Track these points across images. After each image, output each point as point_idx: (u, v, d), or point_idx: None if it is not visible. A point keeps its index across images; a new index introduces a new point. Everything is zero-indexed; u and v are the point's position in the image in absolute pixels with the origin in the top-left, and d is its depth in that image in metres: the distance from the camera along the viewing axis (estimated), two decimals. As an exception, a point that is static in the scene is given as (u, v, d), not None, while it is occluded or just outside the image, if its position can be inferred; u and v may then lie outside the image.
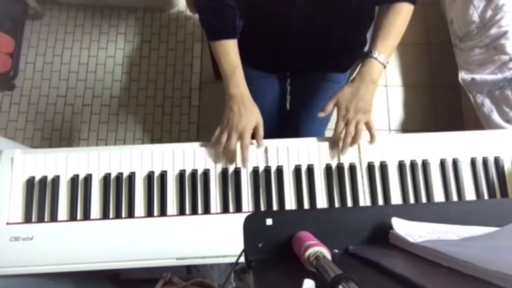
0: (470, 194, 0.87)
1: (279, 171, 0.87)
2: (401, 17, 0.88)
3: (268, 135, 0.89)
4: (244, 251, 0.51)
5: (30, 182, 0.84)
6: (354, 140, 0.85)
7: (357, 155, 0.88)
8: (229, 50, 0.89)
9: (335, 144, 0.87)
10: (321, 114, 0.88)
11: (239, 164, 0.87)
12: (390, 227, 0.51)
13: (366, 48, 1.17)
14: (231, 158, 0.87)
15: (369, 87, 0.85)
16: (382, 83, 1.84)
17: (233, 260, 0.53)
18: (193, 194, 0.85)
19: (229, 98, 0.88)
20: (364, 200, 0.86)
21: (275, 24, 0.94)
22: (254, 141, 0.89)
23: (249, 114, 0.87)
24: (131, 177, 0.86)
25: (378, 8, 0.93)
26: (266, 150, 0.88)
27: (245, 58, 0.92)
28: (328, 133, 1.08)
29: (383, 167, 0.87)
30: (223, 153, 0.87)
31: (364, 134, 0.87)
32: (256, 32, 0.94)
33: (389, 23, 0.87)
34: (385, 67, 0.87)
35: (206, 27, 0.92)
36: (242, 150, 0.86)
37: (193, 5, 0.98)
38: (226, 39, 0.89)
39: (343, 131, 0.86)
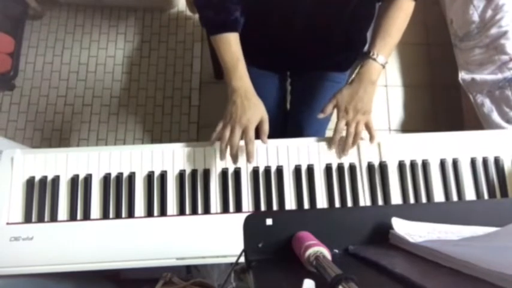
0: (470, 194, 0.87)
1: (279, 171, 0.87)
2: (401, 15, 0.87)
3: (268, 134, 0.89)
4: (244, 251, 0.51)
5: (30, 182, 0.84)
6: (354, 140, 0.86)
7: (357, 155, 0.88)
8: (231, 43, 0.87)
9: (335, 144, 0.88)
10: (320, 116, 0.88)
11: (242, 163, 0.86)
12: (390, 227, 0.51)
13: (366, 48, 1.18)
14: (234, 156, 0.83)
15: (367, 88, 0.85)
16: (382, 83, 1.84)
17: (233, 260, 0.53)
18: (193, 194, 0.85)
19: (232, 91, 0.85)
20: (364, 200, 0.86)
21: (277, 21, 0.94)
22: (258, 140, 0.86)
23: (253, 107, 0.83)
24: (131, 177, 0.86)
25: (378, 7, 0.93)
26: (266, 150, 0.88)
27: (246, 55, 0.91)
28: (329, 133, 1.08)
29: (383, 167, 0.87)
30: (226, 150, 0.83)
31: (364, 134, 0.87)
32: (257, 29, 0.94)
33: (388, 21, 0.87)
34: (384, 67, 0.87)
35: (206, 22, 0.89)
36: (246, 144, 0.81)
37: (193, 5, 0.97)
38: (227, 32, 0.87)
39: (343, 132, 0.86)
